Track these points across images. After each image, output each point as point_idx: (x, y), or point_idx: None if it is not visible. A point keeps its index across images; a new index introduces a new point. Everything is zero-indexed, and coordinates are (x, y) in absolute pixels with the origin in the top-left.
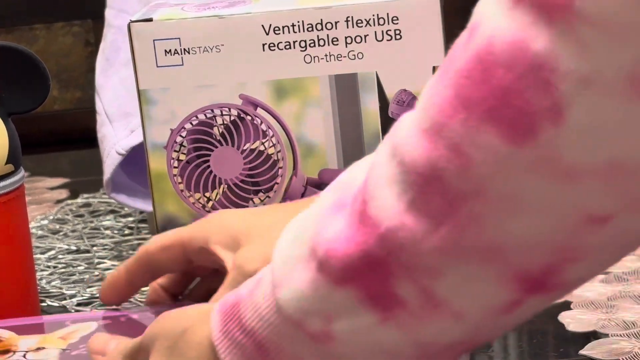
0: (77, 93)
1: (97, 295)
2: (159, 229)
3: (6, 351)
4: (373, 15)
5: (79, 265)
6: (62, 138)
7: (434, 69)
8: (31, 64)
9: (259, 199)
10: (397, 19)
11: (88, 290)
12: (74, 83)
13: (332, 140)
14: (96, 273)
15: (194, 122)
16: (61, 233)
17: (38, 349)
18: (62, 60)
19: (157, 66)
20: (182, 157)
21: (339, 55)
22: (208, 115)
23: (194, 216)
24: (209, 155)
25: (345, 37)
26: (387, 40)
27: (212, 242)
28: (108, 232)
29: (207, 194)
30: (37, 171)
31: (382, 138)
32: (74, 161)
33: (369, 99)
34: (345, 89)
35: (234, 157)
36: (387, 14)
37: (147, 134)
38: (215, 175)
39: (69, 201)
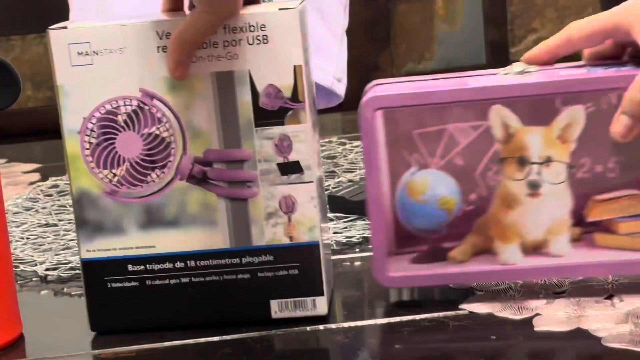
0: (48, 93)
1: (64, 261)
2: (74, 200)
3: None
4: (245, 23)
5: (48, 237)
6: (36, 131)
7: (295, 68)
8: (5, 70)
9: (156, 174)
10: (265, 27)
11: (55, 257)
12: (46, 85)
13: (214, 125)
14: (62, 243)
15: (101, 111)
16: (33, 210)
17: None
18: (35, 65)
19: (72, 65)
20: (93, 140)
21: (219, 56)
22: (113, 106)
23: (102, 189)
24: (115, 138)
25: (224, 41)
26: (257, 44)
27: (635, 31)
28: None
29: (113, 171)
30: (14, 158)
31: (255, 124)
32: (45, 150)
33: (243, 92)
34: (224, 84)
35: (135, 140)
36: (257, 22)
37: (64, 122)
38: (120, 155)
39: (40, 183)
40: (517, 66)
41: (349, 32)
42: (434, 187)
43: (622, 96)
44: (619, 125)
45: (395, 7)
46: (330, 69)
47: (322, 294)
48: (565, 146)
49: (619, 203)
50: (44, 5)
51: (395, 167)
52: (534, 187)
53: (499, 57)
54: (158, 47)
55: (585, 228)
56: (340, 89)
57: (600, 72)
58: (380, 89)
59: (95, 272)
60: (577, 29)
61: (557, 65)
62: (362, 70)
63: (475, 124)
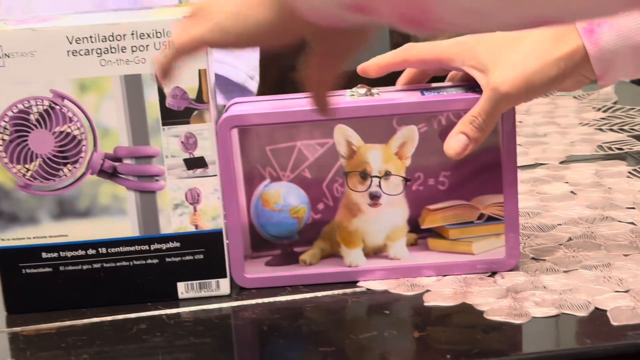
0: None
1: None
2: None
3: None
4: (152, 30)
5: None
6: None
7: (200, 71)
8: None
9: (68, 169)
10: (171, 33)
11: None
12: None
13: (124, 124)
14: None
15: (14, 111)
16: None
17: None
18: None
19: None
20: (6, 137)
21: (127, 60)
22: (26, 105)
23: (16, 183)
24: (27, 136)
25: (132, 46)
26: (164, 49)
27: (466, 65)
28: None
29: (27, 166)
30: None
31: (162, 123)
32: None
33: (151, 93)
34: (133, 86)
35: (47, 137)
36: (163, 29)
37: None
38: (32, 152)
39: None
40: (362, 89)
41: None
42: (286, 197)
43: (449, 117)
44: (456, 142)
45: None
46: (243, 67)
47: (225, 276)
48: (402, 162)
49: (448, 212)
50: None
51: (250, 180)
52: (374, 198)
53: None
54: (68, 51)
55: (420, 234)
56: (253, 86)
57: (432, 96)
58: (236, 109)
59: (9, 259)
60: (416, 52)
61: (397, 88)
62: (279, 71)
63: (322, 141)
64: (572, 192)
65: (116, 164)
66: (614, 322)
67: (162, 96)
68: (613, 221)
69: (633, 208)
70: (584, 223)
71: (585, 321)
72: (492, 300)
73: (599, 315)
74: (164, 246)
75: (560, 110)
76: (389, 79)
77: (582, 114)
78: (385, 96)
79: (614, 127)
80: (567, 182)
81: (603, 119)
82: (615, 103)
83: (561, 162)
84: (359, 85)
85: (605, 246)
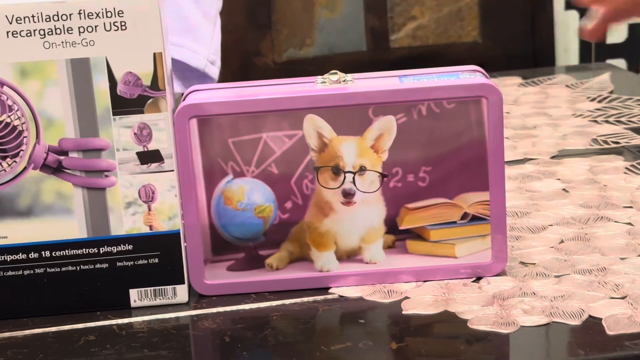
0: None
1: None
2: None
3: None
4: (102, 9)
5: None
6: None
7: (155, 55)
8: None
9: (7, 163)
10: (123, 13)
11: None
12: None
13: (70, 114)
14: None
15: None
16: None
17: None
18: None
19: None
20: None
21: (74, 42)
22: None
23: None
24: None
25: (79, 27)
26: (115, 30)
27: None
28: None
29: None
30: None
31: (112, 113)
32: None
33: (100, 79)
34: (80, 71)
35: None
36: (114, 8)
37: None
38: None
39: None
40: (333, 75)
41: (229, 16)
42: (250, 195)
43: (431, 107)
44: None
45: None
46: (203, 51)
47: (182, 282)
48: (378, 156)
49: (429, 211)
50: None
51: (211, 176)
52: (348, 196)
53: (379, 44)
54: (8, 32)
55: (398, 235)
56: (214, 72)
57: (411, 83)
58: (195, 97)
59: None
60: None
61: (373, 75)
62: (242, 55)
63: (290, 133)
64: (564, 189)
65: (61, 157)
66: (609, 331)
67: (112, 82)
68: (609, 221)
69: (630, 207)
70: (577, 223)
71: (579, 330)
72: (476, 307)
73: (593, 324)
74: (114, 249)
75: (551, 100)
76: (366, 66)
77: (575, 105)
78: (360, 83)
79: (610, 119)
80: (558, 179)
81: (598, 109)
82: (611, 92)
83: (552, 157)
84: (330, 72)
85: (600, 249)
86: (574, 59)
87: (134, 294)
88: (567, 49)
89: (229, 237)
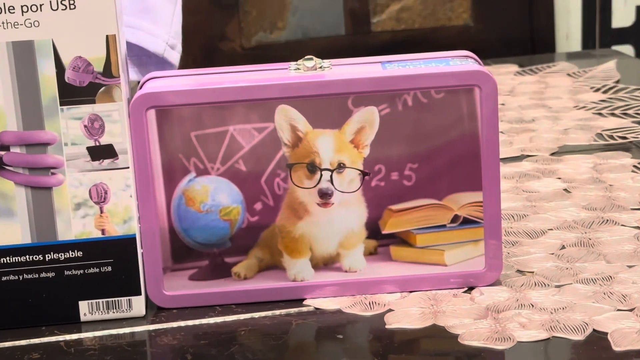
0: None
1: None
2: None
3: None
4: None
5: None
6: None
7: (108, 37)
8: None
9: None
10: None
11: None
12: None
13: (12, 104)
14: None
15: None
16: None
17: None
18: None
19: None
20: None
21: (16, 23)
22: None
23: None
24: None
25: (22, 6)
26: (62, 9)
27: None
28: None
29: None
30: None
31: (60, 103)
32: None
33: (45, 65)
34: (23, 55)
35: None
36: None
37: None
38: None
39: None
40: (309, 61)
41: None
42: (215, 195)
43: (417, 97)
44: None
45: None
46: (162, 34)
47: (139, 293)
48: (358, 151)
49: (415, 213)
50: None
51: (171, 174)
52: (324, 196)
53: (359, 27)
54: None
55: (381, 240)
56: (174, 57)
57: (395, 70)
58: (153, 85)
59: None
60: None
61: (352, 61)
62: (206, 40)
63: (260, 126)
64: (565, 190)
65: (2, 153)
66: (615, 347)
67: (60, 68)
68: (615, 225)
69: (639, 209)
70: (579, 227)
71: (582, 346)
72: (468, 321)
73: (597, 338)
74: (62, 256)
75: (551, 90)
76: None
77: (577, 95)
78: (339, 70)
79: (616, 111)
80: (559, 178)
81: (603, 101)
82: (617, 82)
83: (552, 154)
84: (305, 57)
85: (605, 255)
86: (576, 44)
87: (84, 306)
88: (569, 34)
89: (191, 243)
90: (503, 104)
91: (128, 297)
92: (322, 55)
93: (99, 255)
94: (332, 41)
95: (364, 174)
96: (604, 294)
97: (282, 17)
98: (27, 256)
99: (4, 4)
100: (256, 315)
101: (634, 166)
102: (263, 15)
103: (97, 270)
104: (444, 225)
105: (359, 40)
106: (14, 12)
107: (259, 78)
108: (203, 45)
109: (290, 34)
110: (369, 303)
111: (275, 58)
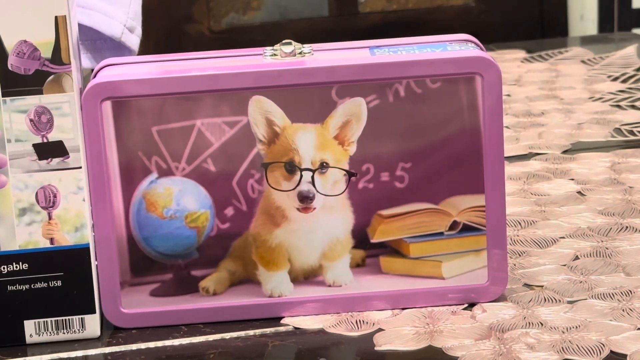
0: None
1: None
2: None
3: None
4: None
5: None
6: None
7: (57, 19)
8: None
9: None
10: None
11: None
12: None
13: None
14: None
15: None
16: None
17: None
18: None
19: None
20: None
21: None
22: None
23: None
24: None
25: None
26: None
27: None
28: None
29: None
30: None
31: (1, 94)
32: None
33: None
34: None
35: None
36: None
37: None
38: None
39: None
40: (287, 46)
41: None
42: (180, 199)
43: (410, 86)
44: None
45: None
46: (120, 16)
47: (93, 311)
48: (343, 149)
49: (409, 219)
50: None
51: (130, 174)
52: (305, 200)
53: (344, 7)
54: None
55: (369, 250)
56: (133, 41)
57: (385, 56)
58: (109, 73)
59: None
60: None
61: (337, 45)
62: (169, 21)
63: (231, 120)
64: (579, 192)
65: None
66: None
67: (2, 54)
68: (635, 233)
69: None
70: (595, 235)
71: None
72: (469, 342)
73: None
74: (5, 269)
75: (563, 79)
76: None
77: (593, 85)
78: (321, 56)
79: (637, 104)
80: (572, 179)
81: (622, 91)
82: (638, 70)
83: (564, 152)
84: (283, 41)
85: (624, 267)
86: (591, 27)
87: (30, 326)
88: (583, 15)
89: (152, 253)
90: (508, 95)
91: (80, 316)
92: (303, 40)
93: (47, 268)
94: (313, 23)
95: (350, 174)
96: (623, 310)
97: None
98: None
99: None
100: (227, 335)
101: None
102: None
103: (45, 285)
104: (441, 233)
105: (345, 23)
106: None
107: (230, 65)
108: (166, 28)
109: (266, 15)
110: (356, 322)
111: (248, 42)
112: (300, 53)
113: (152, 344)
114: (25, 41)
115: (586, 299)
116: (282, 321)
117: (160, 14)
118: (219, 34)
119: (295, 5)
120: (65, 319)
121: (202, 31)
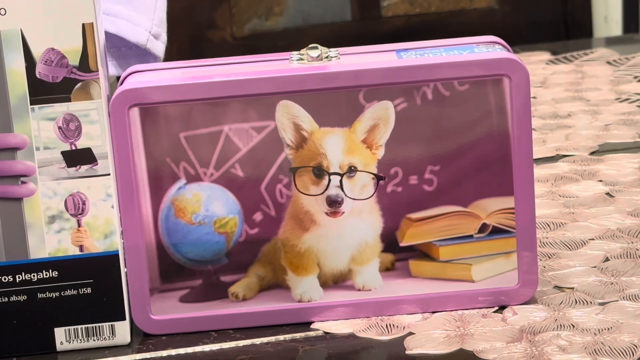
0: None
1: None
2: None
3: None
4: None
5: None
6: None
7: (84, 26)
8: None
9: None
10: None
11: None
12: None
13: None
14: None
15: None
16: None
17: None
18: None
19: None
20: None
21: None
22: None
23: None
24: None
25: None
26: None
27: None
28: None
29: None
30: None
31: (30, 101)
32: None
33: (14, 58)
34: None
35: None
36: None
37: None
38: None
39: None
40: (313, 50)
41: None
42: (209, 205)
43: (437, 89)
44: None
45: None
46: (145, 23)
47: (123, 318)
48: (372, 152)
49: (438, 223)
50: None
51: (158, 181)
52: (333, 204)
53: (367, 12)
54: None
55: (399, 254)
56: (159, 47)
57: (413, 59)
58: (136, 80)
59: None
60: None
61: (363, 49)
62: (192, 28)
63: (259, 125)
64: (608, 194)
65: None
66: None
67: (30, 62)
68: None
69: None
70: (625, 237)
71: None
72: (500, 345)
73: None
74: (34, 277)
75: (589, 80)
76: (351, 40)
77: (620, 86)
78: (348, 60)
79: None
80: (600, 181)
81: None
82: None
83: (592, 153)
84: (309, 46)
85: None
86: (616, 28)
87: (60, 333)
88: (608, 16)
89: (181, 260)
90: (535, 97)
91: (110, 323)
92: (326, 45)
93: (76, 276)
94: (336, 28)
95: (378, 178)
96: None
97: (279, 2)
98: None
99: None
100: (257, 341)
101: None
102: (257, 0)
103: (75, 292)
104: (471, 236)
105: (368, 27)
106: None
107: (257, 70)
108: (188, 35)
109: (288, 20)
110: (386, 326)
111: (271, 48)
112: (327, 57)
113: (182, 350)
114: (52, 49)
115: (617, 301)
116: (312, 326)
117: (182, 20)
118: (242, 40)
119: (318, 10)
120: (95, 326)
121: (225, 37)
